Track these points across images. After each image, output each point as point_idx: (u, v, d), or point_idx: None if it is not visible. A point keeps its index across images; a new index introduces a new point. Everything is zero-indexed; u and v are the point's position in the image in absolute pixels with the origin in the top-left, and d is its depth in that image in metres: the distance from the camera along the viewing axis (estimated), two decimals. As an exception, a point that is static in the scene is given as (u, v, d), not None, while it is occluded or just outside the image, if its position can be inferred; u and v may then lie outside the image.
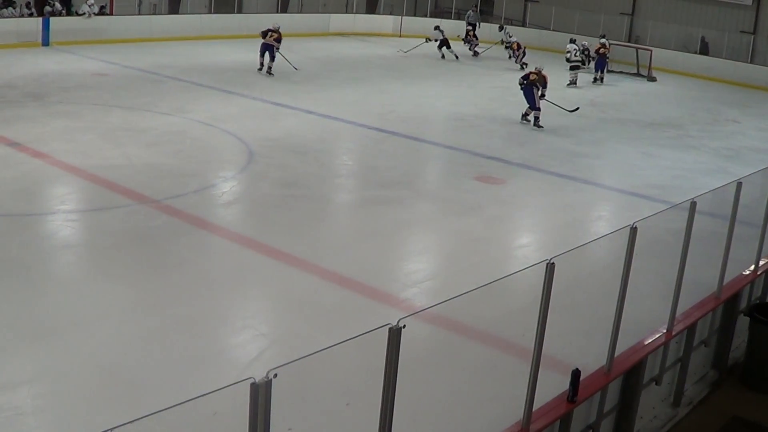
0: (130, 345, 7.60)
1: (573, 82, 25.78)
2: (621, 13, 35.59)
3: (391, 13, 37.34)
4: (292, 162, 14.21)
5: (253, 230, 10.94)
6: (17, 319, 7.97)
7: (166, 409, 3.87)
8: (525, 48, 29.19)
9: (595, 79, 26.91)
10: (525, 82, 18.89)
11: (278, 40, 23.22)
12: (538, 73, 18.95)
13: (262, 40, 23.41)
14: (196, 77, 22.19)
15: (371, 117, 18.31)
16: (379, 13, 37.86)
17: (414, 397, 5.88)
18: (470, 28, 32.84)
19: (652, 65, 29.00)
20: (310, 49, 27.12)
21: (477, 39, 31.79)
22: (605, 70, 27.29)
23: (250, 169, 13.65)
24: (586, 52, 28.51)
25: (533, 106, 18.82)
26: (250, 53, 26.40)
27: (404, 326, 4.65)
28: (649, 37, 33.38)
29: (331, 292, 9.13)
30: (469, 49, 31.39)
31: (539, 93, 18.78)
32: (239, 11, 33.47)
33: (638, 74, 29.17)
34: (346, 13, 36.91)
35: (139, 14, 31.52)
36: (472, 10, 35.69)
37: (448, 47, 29.62)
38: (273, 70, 23.14)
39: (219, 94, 20.02)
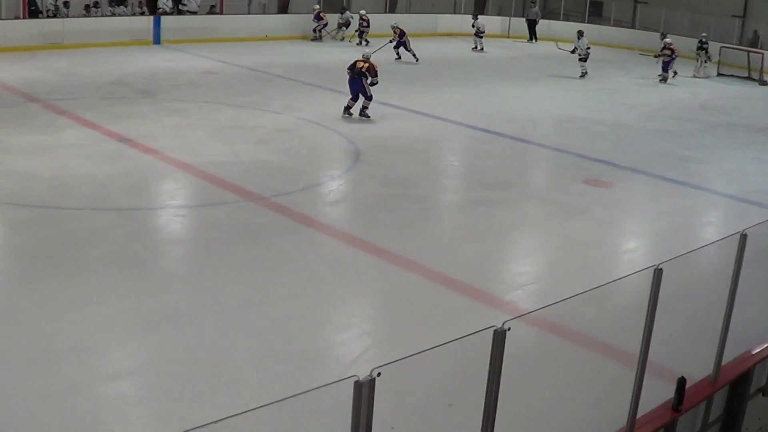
0: (236, 340, 7.69)
1: (664, 79, 25.62)
2: (732, 16, 34.82)
3: (499, 14, 37.17)
4: (398, 162, 14.23)
5: (359, 229, 10.98)
6: (126, 312, 8.14)
7: (269, 404, 3.90)
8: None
9: (662, 79, 26.22)
10: (352, 71, 17.50)
11: (369, 70, 17.50)
12: (367, 60, 17.57)
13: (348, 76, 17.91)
14: (305, 76, 22.40)
15: (478, 118, 18.23)
16: (487, 14, 37.68)
17: (516, 401, 5.84)
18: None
19: (765, 69, 28.26)
20: (417, 50, 27.06)
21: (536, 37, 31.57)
22: (668, 70, 26.42)
23: (357, 168, 13.72)
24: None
25: (365, 95, 17.40)
26: (357, 53, 26.53)
27: (509, 328, 4.61)
28: (761, 41, 32.58)
29: (435, 292, 9.11)
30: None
31: (368, 82, 17.42)
32: (347, 10, 33.65)
33: (749, 78, 28.43)
34: (454, 13, 36.85)
35: (249, 14, 31.95)
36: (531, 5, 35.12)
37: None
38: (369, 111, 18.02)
39: (327, 93, 20.16)
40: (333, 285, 9.15)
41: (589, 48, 26.02)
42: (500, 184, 13.31)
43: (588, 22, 35.21)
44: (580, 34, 26.55)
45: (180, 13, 29.35)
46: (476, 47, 30.50)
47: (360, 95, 17.37)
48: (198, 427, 3.82)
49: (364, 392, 4.04)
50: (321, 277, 9.31)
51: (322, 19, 29.97)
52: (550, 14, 37.66)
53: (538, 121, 19.03)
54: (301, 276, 9.33)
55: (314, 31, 29.92)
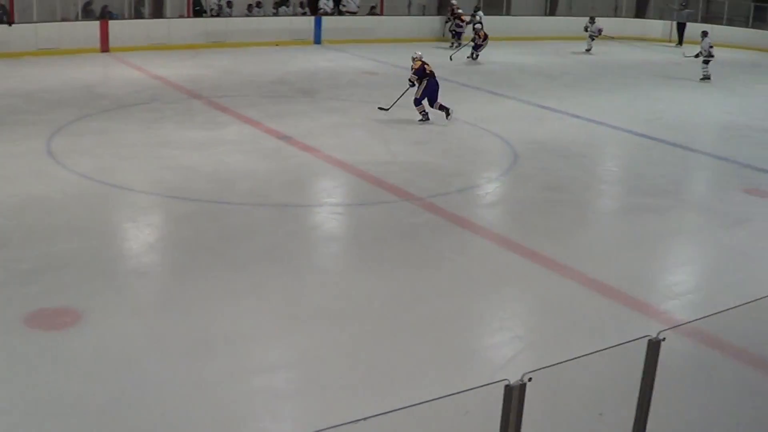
0: (387, 338, 7.73)
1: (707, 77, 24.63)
2: None
3: (660, 18, 36.38)
4: (556, 166, 14.08)
5: (514, 232, 10.90)
6: (281, 306, 8.28)
7: (419, 403, 3.93)
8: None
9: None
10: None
11: (416, 72, 16.69)
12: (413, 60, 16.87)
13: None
14: (464, 78, 22.39)
15: (638, 123, 17.86)
16: (648, 18, 36.95)
17: (669, 414, 5.71)
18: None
19: None
20: (578, 53, 26.80)
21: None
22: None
23: (514, 171, 13.64)
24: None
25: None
26: (517, 56, 26.50)
27: (664, 339, 4.53)
28: None
29: (589, 298, 8.98)
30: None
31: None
32: (507, 13, 33.50)
33: None
34: (615, 17, 36.26)
35: (409, 15, 32.14)
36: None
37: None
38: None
39: (485, 95, 20.12)
40: (486, 287, 9.12)
41: (711, 47, 24.97)
42: (659, 191, 13.00)
43: (752, 27, 34.10)
44: (704, 34, 25.56)
45: (340, 13, 29.76)
46: (589, 49, 29.74)
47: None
48: (347, 423, 3.88)
49: (514, 396, 4.02)
50: (474, 279, 9.29)
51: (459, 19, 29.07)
52: (713, 18, 36.51)
53: (699, 128, 18.51)
54: (454, 277, 9.33)
55: (452, 33, 29.19)
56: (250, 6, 29.12)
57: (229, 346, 7.40)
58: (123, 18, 27.54)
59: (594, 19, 30.43)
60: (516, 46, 28.22)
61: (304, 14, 29.64)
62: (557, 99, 19.81)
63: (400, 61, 24.28)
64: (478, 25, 26.47)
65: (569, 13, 35.61)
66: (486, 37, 25.90)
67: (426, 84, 16.60)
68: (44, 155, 13.36)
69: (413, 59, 16.82)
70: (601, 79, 24.08)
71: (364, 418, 3.76)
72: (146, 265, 9.45)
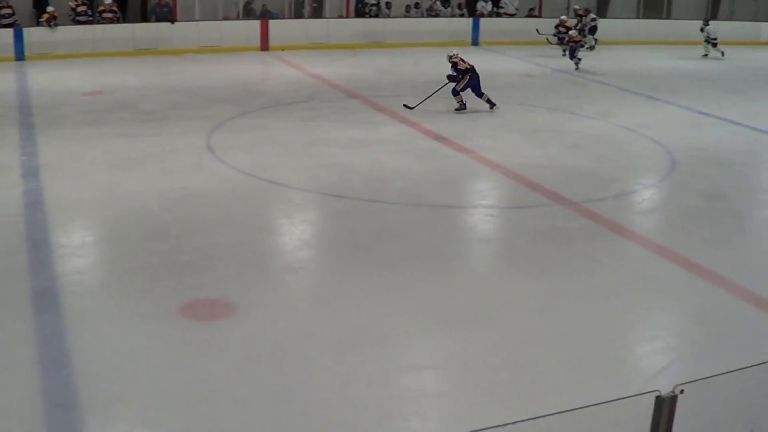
0: (536, 343, 7.60)
1: None
2: None
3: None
4: (715, 174, 13.62)
5: (670, 240, 10.59)
6: (432, 306, 8.24)
7: (567, 411, 3.84)
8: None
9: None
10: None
11: (456, 69, 17.38)
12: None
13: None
14: (621, 82, 21.96)
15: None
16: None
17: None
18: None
19: None
20: (739, 58, 26.00)
21: None
22: None
23: (672, 178, 13.27)
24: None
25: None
26: (678, 60, 25.84)
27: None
28: None
29: (746, 311, 8.63)
30: None
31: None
32: (668, 17, 32.72)
33: None
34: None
35: (567, 17, 31.69)
36: None
37: None
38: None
39: (643, 100, 19.67)
40: (639, 295, 8.86)
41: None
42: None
43: None
44: None
45: (498, 15, 29.61)
46: (706, 54, 28.28)
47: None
48: (495, 426, 3.81)
49: (664, 408, 3.90)
50: (627, 286, 9.05)
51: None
52: None
53: None
54: (606, 283, 9.11)
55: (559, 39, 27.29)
56: (408, 7, 29.28)
57: (378, 344, 7.41)
58: (283, 17, 28.06)
59: (707, 22, 29.25)
60: (676, 50, 27.51)
61: (461, 16, 29.62)
62: (717, 105, 19.18)
63: (556, 64, 24.08)
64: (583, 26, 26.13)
65: (731, 18, 34.49)
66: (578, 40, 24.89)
67: (468, 79, 17.31)
68: (204, 150, 13.70)
69: (449, 58, 17.49)
70: (764, 86, 23.22)
71: (512, 423, 3.69)
72: (300, 261, 9.56)
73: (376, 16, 28.55)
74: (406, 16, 28.97)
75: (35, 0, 26.55)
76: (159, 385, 6.65)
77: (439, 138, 14.85)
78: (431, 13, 29.35)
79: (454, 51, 17.85)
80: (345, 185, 12.04)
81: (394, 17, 28.63)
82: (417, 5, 29.26)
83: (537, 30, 26.38)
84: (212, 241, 9.75)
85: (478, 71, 17.49)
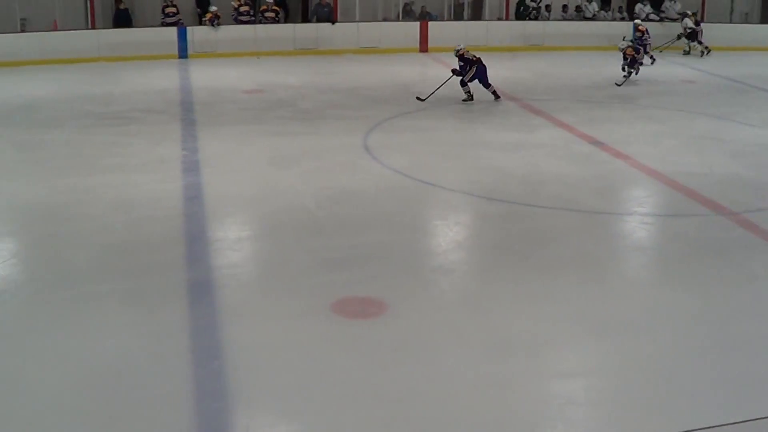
0: (691, 356, 7.31)
1: None
2: None
3: None
4: None
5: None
6: (582, 313, 8.05)
7: (721, 425, 3.72)
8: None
9: None
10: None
11: (463, 60, 18.31)
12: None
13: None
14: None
15: None
16: None
17: None
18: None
19: None
20: None
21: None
22: None
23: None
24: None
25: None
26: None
27: None
28: None
29: None
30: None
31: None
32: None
33: None
34: None
35: (731, 22, 30.75)
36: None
37: None
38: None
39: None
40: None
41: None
42: None
43: None
44: None
45: (660, 20, 28.93)
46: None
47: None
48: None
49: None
50: (789, 302, 8.72)
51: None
52: None
53: None
54: (764, 297, 8.80)
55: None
56: (564, 7, 28.97)
57: (527, 349, 7.31)
58: (442, 19, 28.11)
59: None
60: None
61: (622, 19, 29.10)
62: None
63: (718, 70, 23.39)
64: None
65: None
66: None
67: (475, 70, 18.17)
68: (361, 149, 13.83)
69: (456, 52, 18.30)
70: None
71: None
72: (453, 263, 9.53)
73: (536, 18, 28.32)
74: (564, 19, 28.64)
75: (199, 0, 27.30)
76: (306, 380, 6.70)
77: (595, 143, 14.61)
78: (581, 13, 28.92)
79: (460, 45, 18.53)
80: (500, 188, 11.96)
81: (553, 20, 28.34)
82: (578, 8, 28.91)
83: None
84: (366, 240, 9.82)
85: (485, 63, 18.29)
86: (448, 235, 10.41)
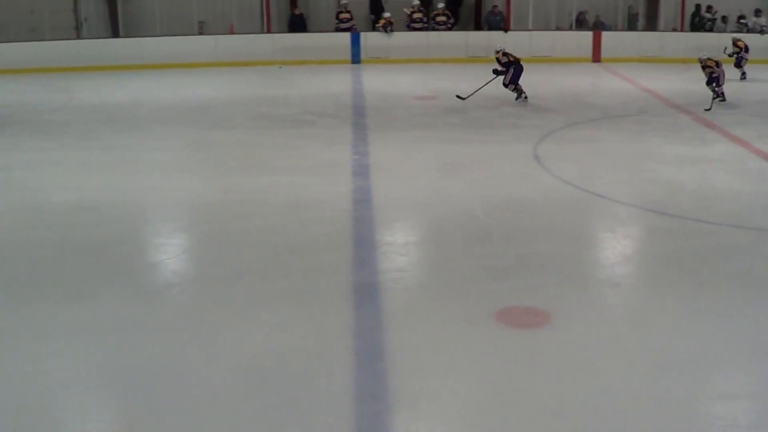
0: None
1: None
2: None
3: None
4: None
5: None
6: (748, 333, 7.72)
7: None
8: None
9: None
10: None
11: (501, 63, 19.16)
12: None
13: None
14: None
15: None
16: None
17: None
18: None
19: None
20: None
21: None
22: None
23: None
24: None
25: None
26: None
27: None
28: None
29: None
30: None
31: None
32: None
33: None
34: None
35: None
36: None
37: None
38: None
39: None
40: None
41: None
42: None
43: None
44: None
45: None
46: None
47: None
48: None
49: None
50: None
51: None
52: None
53: None
54: None
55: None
56: (741, 18, 28.12)
57: (692, 368, 7.08)
58: (615, 29, 27.68)
59: None
60: None
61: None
62: None
63: None
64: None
65: None
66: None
67: (513, 70, 18.93)
68: (530, 159, 13.74)
69: (495, 53, 19.19)
70: None
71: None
72: (620, 276, 9.35)
73: (711, 30, 27.54)
74: (739, 31, 27.74)
75: (372, 6, 27.63)
76: (465, 387, 6.70)
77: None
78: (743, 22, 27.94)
79: (499, 47, 19.40)
80: (671, 202, 11.67)
81: (730, 31, 27.49)
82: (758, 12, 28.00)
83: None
84: (532, 250, 9.74)
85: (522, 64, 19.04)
86: (616, 248, 10.22)
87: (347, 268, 9.13)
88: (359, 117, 17.39)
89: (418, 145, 14.74)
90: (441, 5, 26.74)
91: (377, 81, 21.69)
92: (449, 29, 26.72)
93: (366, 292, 8.50)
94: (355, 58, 25.36)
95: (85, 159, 14.37)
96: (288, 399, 6.47)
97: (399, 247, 9.92)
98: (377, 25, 26.31)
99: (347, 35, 25.79)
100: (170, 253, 9.94)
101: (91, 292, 8.60)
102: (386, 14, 26.05)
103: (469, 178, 12.66)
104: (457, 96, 18.72)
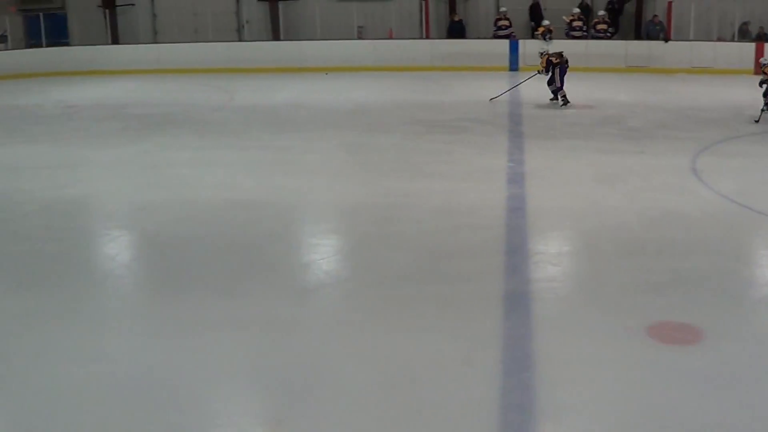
0: None
1: None
2: None
3: None
4: None
5: None
6: None
7: None
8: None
9: None
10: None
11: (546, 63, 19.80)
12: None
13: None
14: None
15: None
16: None
17: None
18: None
19: None
20: None
21: None
22: None
23: None
24: None
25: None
26: None
27: None
28: None
29: None
30: None
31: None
32: None
33: None
34: None
35: None
36: None
37: None
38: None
39: None
40: None
41: None
42: None
43: None
44: None
45: None
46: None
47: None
48: None
49: None
50: None
51: None
52: None
53: None
54: None
55: None
56: None
57: None
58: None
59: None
60: None
61: None
62: None
63: None
64: None
65: None
66: None
67: (558, 71, 19.46)
68: (688, 172, 13.46)
69: (540, 55, 19.92)
70: None
71: None
72: (776, 296, 9.08)
73: None
74: None
75: (532, 13, 27.50)
76: (613, 402, 6.63)
77: None
78: None
79: (544, 48, 20.55)
80: None
81: None
82: None
83: None
84: (687, 265, 9.54)
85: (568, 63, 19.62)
86: (774, 266, 9.94)
87: (498, 276, 9.14)
88: (515, 124, 17.37)
89: (573, 154, 14.63)
90: (601, 13, 26.45)
91: (534, 89, 21.56)
92: (609, 38, 26.38)
93: (516, 300, 8.50)
94: (513, 66, 25.33)
95: (242, 158, 14.80)
96: (432, 404, 6.53)
97: (551, 257, 9.87)
98: (536, 33, 26.20)
99: (505, 42, 25.77)
100: (323, 253, 10.14)
101: (243, 288, 8.86)
102: (545, 22, 25.91)
103: (625, 190, 12.50)
104: (492, 98, 19.63)
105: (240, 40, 29.56)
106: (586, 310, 8.35)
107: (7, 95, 23.77)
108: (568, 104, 19.48)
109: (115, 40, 30.11)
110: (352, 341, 7.63)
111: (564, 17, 26.40)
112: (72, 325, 8.08)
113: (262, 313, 8.21)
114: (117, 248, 10.67)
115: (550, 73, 19.64)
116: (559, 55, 19.61)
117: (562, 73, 19.52)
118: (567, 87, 19.84)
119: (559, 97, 19.62)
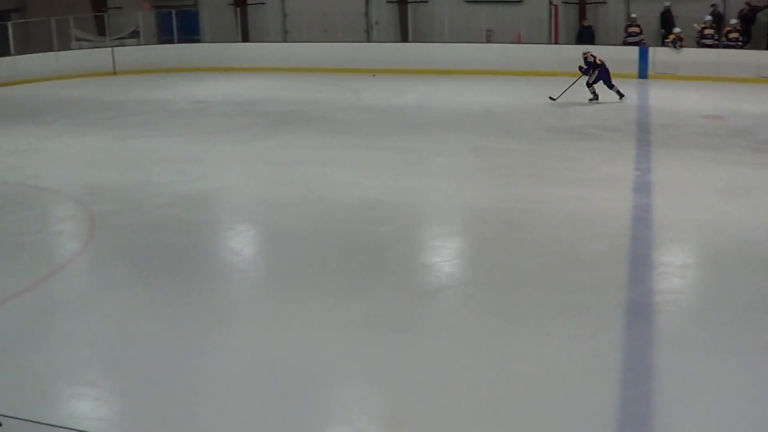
0: None
1: None
2: None
3: None
4: None
5: None
6: None
7: None
8: None
9: None
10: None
11: (587, 63, 20.63)
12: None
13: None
14: None
15: None
16: None
17: None
18: None
19: None
20: None
21: None
22: None
23: None
24: None
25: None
26: None
27: None
28: None
29: None
30: None
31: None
32: None
33: None
34: None
35: None
36: None
37: None
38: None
39: None
40: None
41: None
42: None
43: None
44: None
45: None
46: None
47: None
48: None
49: None
50: None
51: None
52: None
53: None
54: None
55: None
56: None
57: None
58: None
59: None
60: None
61: None
62: None
63: None
64: None
65: None
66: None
67: (598, 73, 20.37)
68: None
69: (583, 54, 20.74)
70: None
71: None
72: None
73: None
74: None
75: (663, 20, 27.04)
76: (736, 423, 6.50)
77: None
78: None
79: (586, 48, 21.66)
80: None
81: None
82: None
83: None
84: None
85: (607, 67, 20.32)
86: None
87: (622, 286, 9.10)
88: (643, 133, 17.15)
89: (702, 165, 14.38)
90: (733, 21, 25.85)
91: (663, 97, 21.27)
92: (741, 47, 25.77)
93: (639, 311, 8.44)
94: (642, 73, 24.94)
95: (369, 158, 14.97)
96: (549, 412, 6.57)
97: (677, 269, 9.77)
98: (666, 40, 25.76)
99: (635, 49, 25.40)
100: (446, 255, 10.24)
101: (367, 287, 9.03)
102: (677, 29, 25.45)
103: (753, 203, 12.21)
104: (550, 98, 20.43)
105: (369, 41, 29.81)
106: (709, 325, 8.25)
107: (138, 90, 24.43)
108: (596, 100, 20.52)
109: (245, 38, 30.63)
110: (470, 345, 7.70)
111: (695, 25, 25.87)
112: (199, 317, 8.35)
113: (383, 313, 8.36)
114: (243, 243, 10.96)
115: (593, 72, 20.43)
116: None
117: (602, 77, 20.44)
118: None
119: (591, 93, 20.58)
